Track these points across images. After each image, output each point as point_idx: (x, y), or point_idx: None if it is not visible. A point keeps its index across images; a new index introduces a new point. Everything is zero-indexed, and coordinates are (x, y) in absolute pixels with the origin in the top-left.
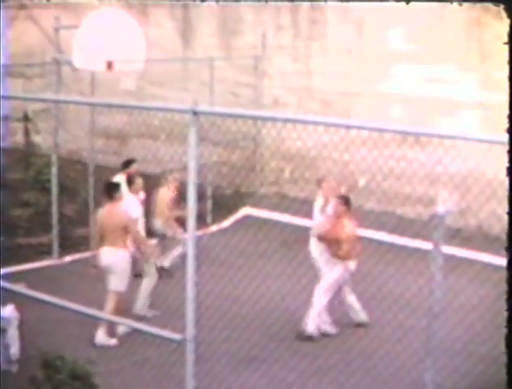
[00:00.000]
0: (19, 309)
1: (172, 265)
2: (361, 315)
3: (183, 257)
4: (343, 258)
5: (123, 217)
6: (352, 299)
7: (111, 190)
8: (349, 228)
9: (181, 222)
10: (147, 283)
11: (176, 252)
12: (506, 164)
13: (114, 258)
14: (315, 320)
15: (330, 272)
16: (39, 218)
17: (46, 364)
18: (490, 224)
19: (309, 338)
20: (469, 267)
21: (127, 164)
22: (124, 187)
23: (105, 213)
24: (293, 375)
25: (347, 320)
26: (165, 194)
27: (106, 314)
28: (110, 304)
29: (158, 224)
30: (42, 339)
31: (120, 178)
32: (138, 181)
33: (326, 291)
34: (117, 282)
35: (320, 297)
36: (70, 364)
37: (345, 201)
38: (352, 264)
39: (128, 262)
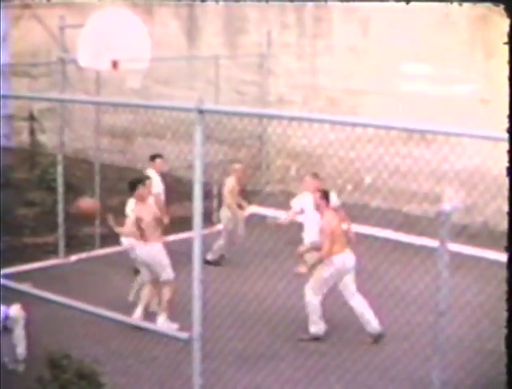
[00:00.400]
0: (26, 309)
1: (216, 257)
2: (363, 321)
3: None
4: (329, 253)
5: (137, 213)
6: (355, 302)
7: (130, 188)
8: (330, 221)
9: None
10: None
11: (221, 242)
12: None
13: (146, 251)
14: (315, 321)
15: (319, 270)
16: (45, 217)
17: (53, 363)
18: (496, 220)
19: (316, 338)
20: (475, 265)
21: (152, 158)
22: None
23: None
24: (300, 373)
25: (352, 319)
26: (230, 183)
27: (164, 305)
28: (166, 294)
29: (223, 213)
30: (48, 338)
31: (148, 173)
32: (143, 187)
33: (314, 290)
34: (164, 272)
35: (310, 298)
36: (77, 363)
37: (324, 194)
38: (341, 259)
39: (162, 251)
